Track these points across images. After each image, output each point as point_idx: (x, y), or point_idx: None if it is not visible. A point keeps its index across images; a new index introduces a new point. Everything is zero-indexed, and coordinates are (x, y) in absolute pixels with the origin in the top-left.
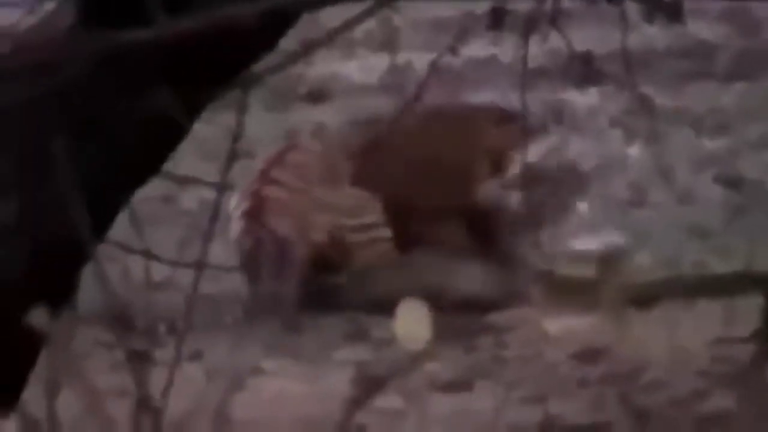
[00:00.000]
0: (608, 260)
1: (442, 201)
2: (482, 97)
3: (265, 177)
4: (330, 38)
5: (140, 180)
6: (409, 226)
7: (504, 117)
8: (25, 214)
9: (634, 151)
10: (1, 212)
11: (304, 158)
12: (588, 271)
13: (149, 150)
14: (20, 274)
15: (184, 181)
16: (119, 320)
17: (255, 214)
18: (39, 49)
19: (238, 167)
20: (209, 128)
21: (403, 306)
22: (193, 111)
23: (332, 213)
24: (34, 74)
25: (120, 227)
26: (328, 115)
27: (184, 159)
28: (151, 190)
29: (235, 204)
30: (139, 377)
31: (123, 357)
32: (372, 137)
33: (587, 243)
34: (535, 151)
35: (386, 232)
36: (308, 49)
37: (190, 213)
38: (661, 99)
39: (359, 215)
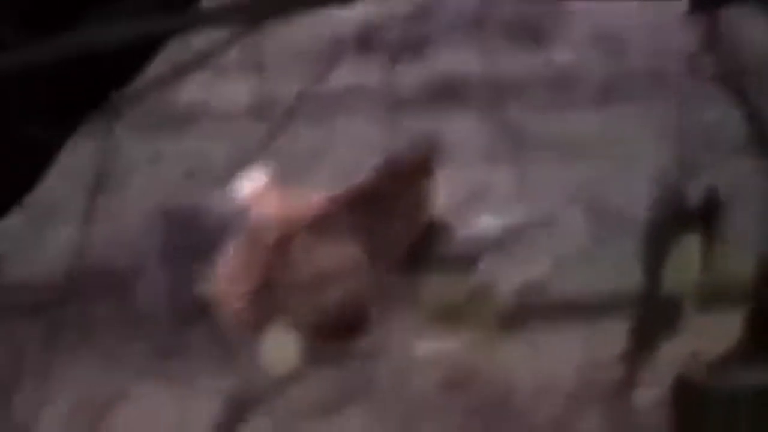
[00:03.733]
0: (478, 286)
1: (408, 242)
2: (352, 125)
3: (276, 258)
4: (198, 63)
5: (4, 209)
6: (389, 272)
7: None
8: None
9: (502, 178)
10: None
11: (309, 235)
12: (457, 296)
13: (14, 177)
14: None
15: (51, 210)
16: None
17: (263, 290)
18: None
19: (105, 194)
20: (76, 155)
21: (271, 331)
22: (61, 137)
23: (332, 283)
24: None
25: None
26: (196, 140)
27: (51, 186)
28: (15, 219)
29: (225, 271)
30: (2, 407)
31: None
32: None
33: None
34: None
35: (371, 289)
36: (176, 74)
37: (58, 242)
38: (527, 126)
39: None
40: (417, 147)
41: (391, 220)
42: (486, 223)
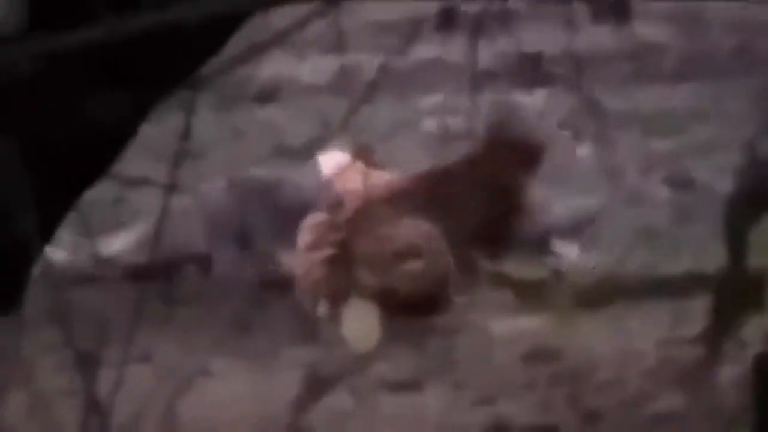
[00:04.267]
0: (558, 264)
1: (494, 221)
2: (432, 98)
3: (354, 228)
4: (278, 40)
5: (89, 181)
6: (469, 251)
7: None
8: None
9: (583, 152)
10: None
11: (388, 209)
12: (537, 273)
13: (97, 151)
14: None
15: (134, 183)
16: (66, 322)
17: (341, 262)
18: None
19: (186, 168)
20: (158, 129)
21: (352, 307)
22: (142, 112)
23: (410, 256)
24: None
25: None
26: (277, 116)
27: (133, 160)
28: (100, 192)
29: (304, 240)
30: (86, 378)
31: (70, 358)
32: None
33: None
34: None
35: (448, 263)
36: (257, 50)
37: (140, 214)
38: (610, 100)
39: (428, 251)
40: (519, 136)
41: (473, 202)
42: (564, 203)
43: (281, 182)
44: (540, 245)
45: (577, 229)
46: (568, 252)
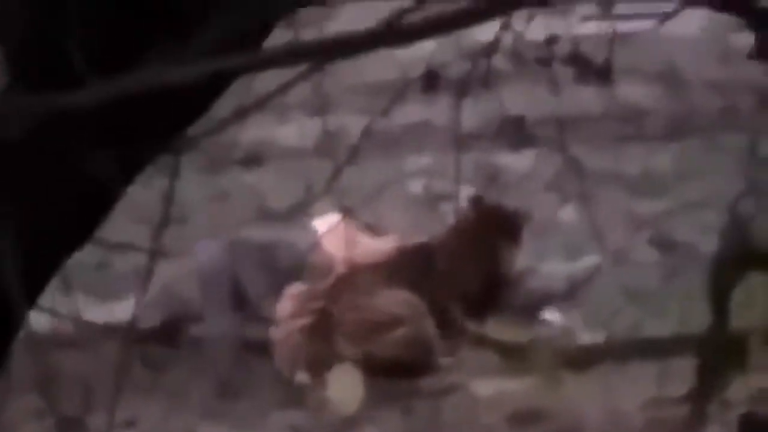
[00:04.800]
0: (544, 324)
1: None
2: (417, 160)
3: (335, 297)
4: (263, 103)
5: (73, 245)
6: (453, 316)
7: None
8: None
9: (569, 214)
10: None
11: (370, 278)
12: (522, 334)
13: (82, 214)
14: None
15: (118, 247)
16: (50, 387)
17: (320, 330)
18: None
19: (171, 232)
20: (143, 192)
21: (336, 371)
22: (127, 174)
23: (391, 326)
24: None
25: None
26: (261, 179)
27: (118, 223)
28: (84, 256)
29: (285, 309)
30: None
31: (54, 425)
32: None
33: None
34: None
35: (430, 331)
36: (242, 113)
37: (126, 278)
38: (594, 161)
39: (411, 321)
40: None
41: (458, 273)
42: (550, 265)
43: (273, 245)
44: (527, 308)
45: (563, 290)
46: (554, 314)
